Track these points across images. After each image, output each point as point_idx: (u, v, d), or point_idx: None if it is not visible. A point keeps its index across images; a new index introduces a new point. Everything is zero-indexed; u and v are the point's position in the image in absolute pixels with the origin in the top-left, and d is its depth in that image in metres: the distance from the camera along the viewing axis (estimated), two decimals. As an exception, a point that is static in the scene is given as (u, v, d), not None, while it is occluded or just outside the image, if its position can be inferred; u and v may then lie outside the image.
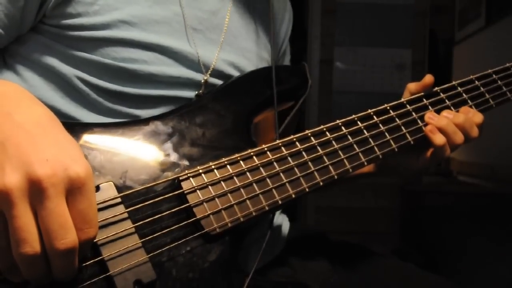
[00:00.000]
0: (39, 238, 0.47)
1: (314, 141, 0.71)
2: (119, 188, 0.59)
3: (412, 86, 0.84)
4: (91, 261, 0.55)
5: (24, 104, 0.54)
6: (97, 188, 0.57)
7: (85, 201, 0.50)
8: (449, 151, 0.79)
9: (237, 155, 0.67)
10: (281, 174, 0.68)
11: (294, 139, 0.70)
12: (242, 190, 0.65)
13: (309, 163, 0.70)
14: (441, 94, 0.83)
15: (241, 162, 0.66)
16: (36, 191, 0.47)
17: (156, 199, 0.61)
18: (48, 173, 0.47)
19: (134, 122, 0.68)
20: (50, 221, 0.47)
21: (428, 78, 0.82)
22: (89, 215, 0.50)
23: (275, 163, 0.68)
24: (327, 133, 0.73)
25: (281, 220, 0.94)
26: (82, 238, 0.50)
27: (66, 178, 0.48)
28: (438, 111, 0.81)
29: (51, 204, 0.47)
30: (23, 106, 0.53)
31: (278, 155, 0.68)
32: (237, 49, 0.83)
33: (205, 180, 0.64)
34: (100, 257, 0.55)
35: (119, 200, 0.58)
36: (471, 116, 0.80)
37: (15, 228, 0.47)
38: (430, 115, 0.79)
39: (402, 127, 0.78)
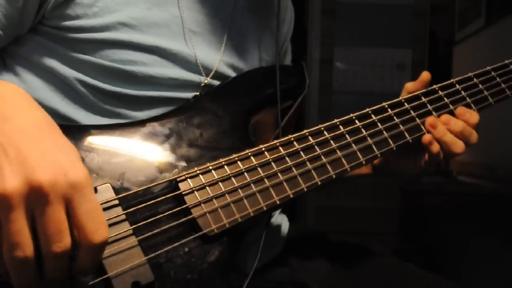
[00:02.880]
0: (32, 242, 0.48)
1: (312, 140, 0.71)
2: (116, 190, 0.59)
3: (409, 85, 0.84)
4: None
5: (24, 107, 0.54)
6: (95, 190, 0.57)
7: (89, 204, 0.50)
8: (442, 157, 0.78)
9: (234, 155, 0.66)
10: (279, 174, 0.67)
11: (292, 139, 0.70)
12: (240, 190, 0.65)
13: (307, 162, 0.69)
14: (440, 91, 0.83)
15: (238, 162, 0.66)
16: (36, 196, 0.47)
17: (154, 201, 0.61)
18: (48, 179, 0.47)
19: (131, 124, 0.68)
20: (48, 226, 0.48)
21: (425, 75, 0.82)
22: (98, 216, 0.50)
23: (273, 163, 0.68)
24: (325, 132, 0.72)
25: (281, 220, 0.94)
26: (97, 240, 0.50)
27: (66, 183, 0.49)
28: (436, 109, 0.81)
29: (49, 210, 0.47)
30: (23, 110, 0.54)
31: (276, 155, 0.68)
32: (239, 51, 0.83)
33: (203, 181, 0.63)
34: (98, 259, 0.55)
35: (116, 202, 0.58)
36: (467, 118, 0.80)
37: (11, 232, 0.47)
38: (431, 122, 0.78)
39: (400, 126, 0.77)
